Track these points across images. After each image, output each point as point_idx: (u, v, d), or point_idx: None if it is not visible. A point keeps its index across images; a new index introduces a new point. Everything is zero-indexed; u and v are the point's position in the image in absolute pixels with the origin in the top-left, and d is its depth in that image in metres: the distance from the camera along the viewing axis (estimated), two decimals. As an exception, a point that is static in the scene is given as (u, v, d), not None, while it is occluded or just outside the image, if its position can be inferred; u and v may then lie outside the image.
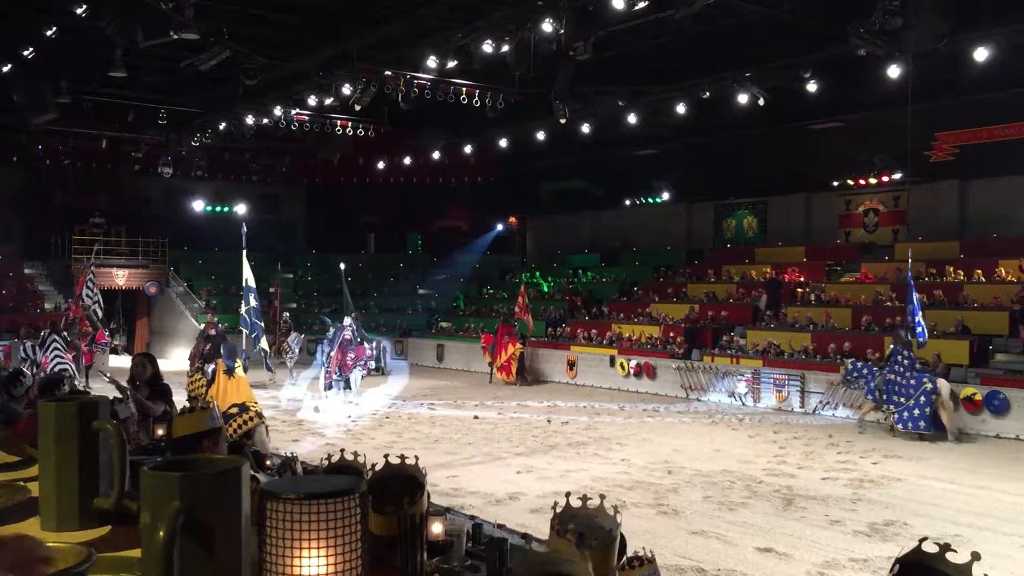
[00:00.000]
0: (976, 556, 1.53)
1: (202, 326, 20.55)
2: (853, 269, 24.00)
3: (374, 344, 20.13)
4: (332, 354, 19.09)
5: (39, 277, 29.88)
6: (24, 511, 2.20)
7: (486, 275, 34.74)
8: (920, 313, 15.99)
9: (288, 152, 33.04)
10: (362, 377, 19.70)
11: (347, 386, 19.02)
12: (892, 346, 16.48)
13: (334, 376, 19.03)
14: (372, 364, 19.77)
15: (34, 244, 30.35)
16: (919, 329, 15.84)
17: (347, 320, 19.26)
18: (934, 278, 21.22)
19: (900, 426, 15.62)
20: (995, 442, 15.35)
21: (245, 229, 17.71)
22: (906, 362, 15.74)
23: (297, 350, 23.78)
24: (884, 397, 15.94)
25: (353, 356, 18.85)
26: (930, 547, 1.53)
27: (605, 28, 15.83)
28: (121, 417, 3.39)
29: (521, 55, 16.54)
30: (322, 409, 18.24)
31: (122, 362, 22.88)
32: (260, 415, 8.77)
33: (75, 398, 2.36)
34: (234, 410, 9.64)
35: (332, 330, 19.83)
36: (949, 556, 1.52)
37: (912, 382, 15.54)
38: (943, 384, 15.56)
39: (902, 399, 15.62)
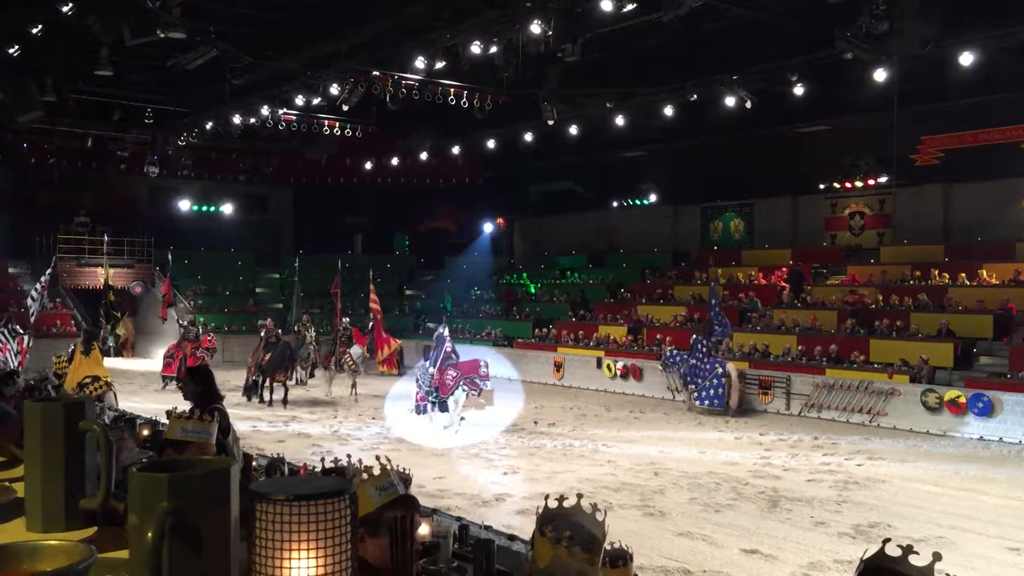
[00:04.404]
0: (937, 557, 1.54)
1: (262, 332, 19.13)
2: (839, 272, 24.11)
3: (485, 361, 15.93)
4: (432, 371, 15.70)
5: (23, 276, 29.62)
6: (10, 512, 2.19)
7: (473, 276, 34.69)
8: (718, 310, 19.43)
9: (275, 152, 32.94)
10: (466, 397, 15.73)
11: (440, 408, 15.71)
12: (694, 336, 19.57)
13: (429, 398, 15.75)
14: (487, 384, 15.74)
15: (18, 243, 30.10)
16: (718, 327, 19.15)
17: (443, 330, 16.11)
18: (919, 281, 21.32)
19: (699, 403, 18.52)
20: (979, 444, 15.45)
21: None
22: (704, 349, 18.88)
23: (363, 365, 20.07)
24: (688, 379, 18.97)
25: (454, 375, 15.40)
26: (893, 550, 1.55)
27: (593, 30, 15.87)
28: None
29: (509, 56, 16.57)
30: (414, 434, 15.37)
31: (119, 363, 22.41)
32: (109, 384, 12.99)
33: (61, 398, 2.34)
34: (88, 380, 12.74)
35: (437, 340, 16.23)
36: (911, 559, 1.53)
37: (708, 366, 18.56)
38: (731, 368, 18.48)
39: (700, 380, 18.61)
